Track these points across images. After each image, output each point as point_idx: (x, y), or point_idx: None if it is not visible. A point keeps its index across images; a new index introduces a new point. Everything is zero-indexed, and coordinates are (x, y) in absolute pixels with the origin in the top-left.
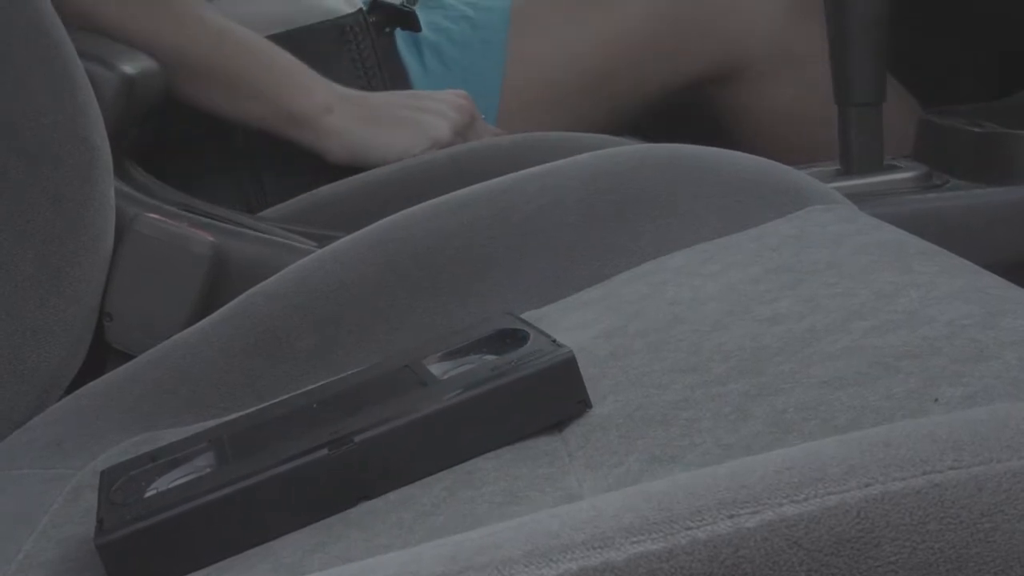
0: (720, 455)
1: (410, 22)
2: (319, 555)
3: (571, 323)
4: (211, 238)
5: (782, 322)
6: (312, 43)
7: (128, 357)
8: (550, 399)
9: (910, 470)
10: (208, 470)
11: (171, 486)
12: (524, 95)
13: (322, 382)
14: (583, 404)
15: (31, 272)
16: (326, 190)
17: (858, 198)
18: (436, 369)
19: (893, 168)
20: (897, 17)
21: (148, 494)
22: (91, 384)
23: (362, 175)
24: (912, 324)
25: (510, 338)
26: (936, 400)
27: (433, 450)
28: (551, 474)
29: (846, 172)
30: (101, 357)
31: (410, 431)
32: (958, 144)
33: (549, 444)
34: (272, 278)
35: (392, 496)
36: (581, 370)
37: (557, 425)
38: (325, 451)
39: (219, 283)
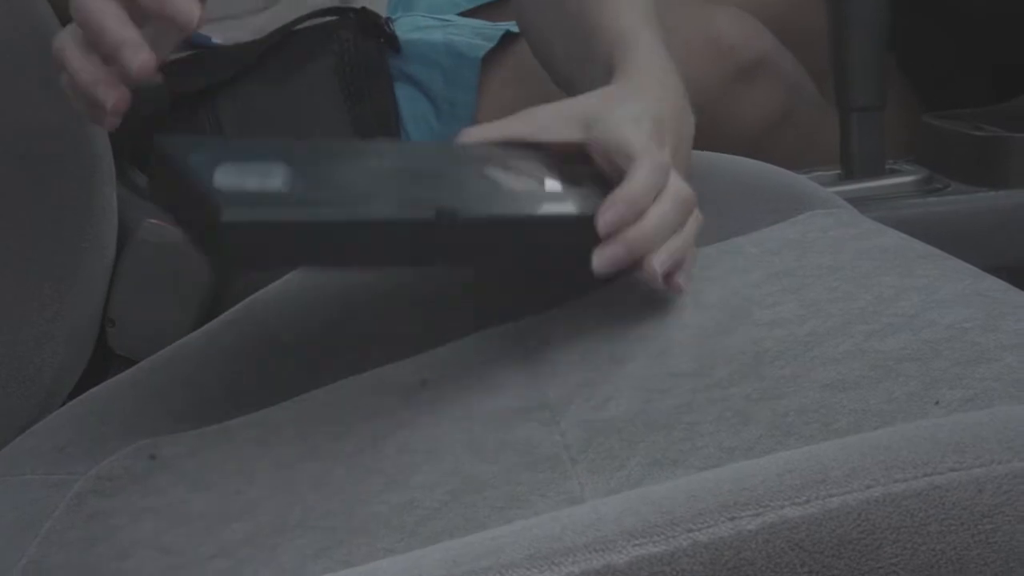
0: (722, 458)
1: (390, 40)
2: (322, 560)
3: (572, 329)
4: None
5: (783, 326)
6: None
7: (131, 362)
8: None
9: (911, 472)
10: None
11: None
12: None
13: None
14: None
15: (34, 278)
16: None
17: (859, 202)
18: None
19: (894, 172)
20: (898, 22)
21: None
22: (94, 390)
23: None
24: (913, 327)
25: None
26: (937, 403)
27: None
28: (553, 478)
29: (847, 176)
30: (104, 363)
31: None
32: (959, 148)
33: (551, 448)
34: (274, 283)
35: (394, 499)
36: (580, 376)
37: (558, 427)
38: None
39: (221, 288)
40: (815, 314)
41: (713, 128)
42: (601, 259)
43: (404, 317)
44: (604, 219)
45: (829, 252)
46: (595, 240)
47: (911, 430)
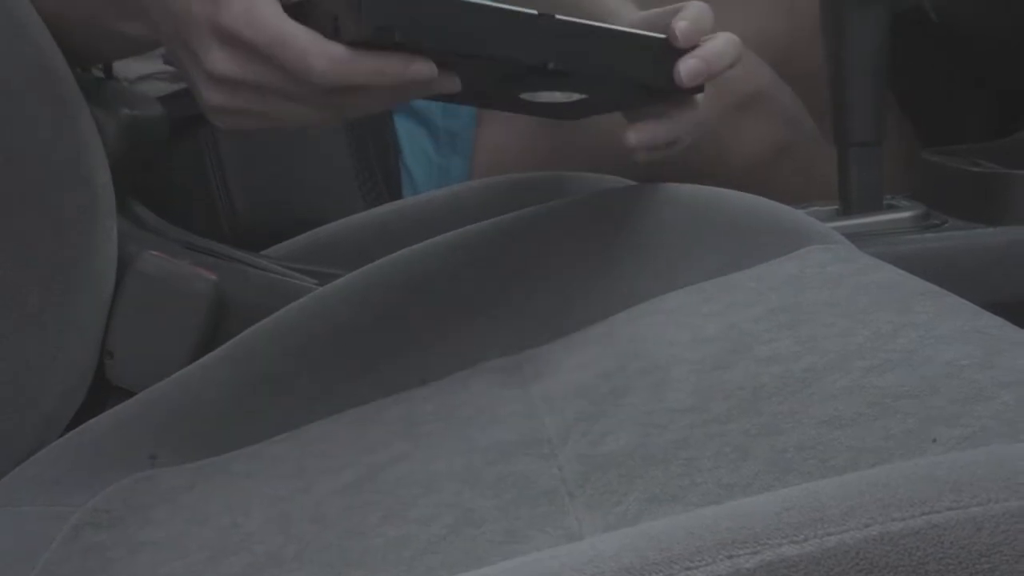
0: (720, 495)
1: None
2: None
3: (571, 362)
4: (212, 276)
5: (781, 362)
6: None
7: (129, 394)
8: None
9: (909, 511)
10: None
11: None
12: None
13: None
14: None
15: (34, 309)
16: (326, 229)
17: (857, 237)
18: None
19: (892, 207)
20: (895, 57)
21: None
22: (92, 421)
23: (361, 215)
24: (911, 364)
25: None
26: (934, 440)
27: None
28: (551, 513)
29: (845, 211)
30: (102, 394)
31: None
32: (956, 184)
33: (549, 483)
34: (272, 316)
35: (391, 533)
36: (578, 410)
37: (556, 461)
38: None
39: (221, 321)
40: (813, 350)
41: (711, 162)
42: (686, 70)
43: (402, 350)
44: (680, 28)
45: (827, 288)
46: (673, 61)
47: (909, 468)
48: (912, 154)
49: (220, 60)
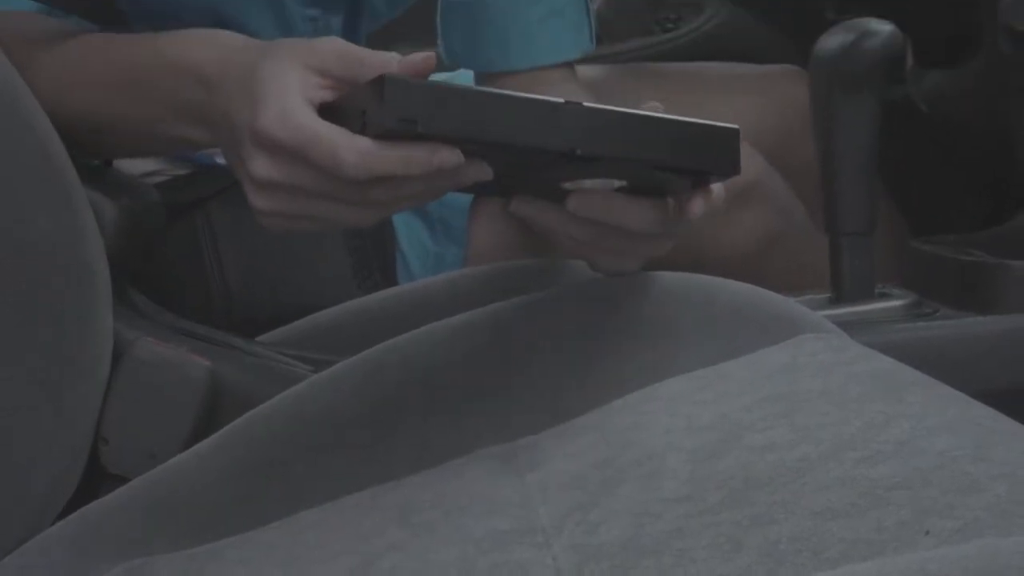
0: None
1: None
2: None
3: (566, 450)
4: (208, 363)
5: (774, 451)
6: None
7: (123, 480)
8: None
9: None
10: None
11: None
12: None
13: None
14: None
15: (27, 394)
16: (322, 315)
17: (849, 326)
18: None
19: (884, 296)
20: (885, 146)
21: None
22: (85, 508)
23: (357, 301)
24: (903, 455)
25: None
26: (927, 532)
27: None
28: None
29: (837, 300)
30: (96, 481)
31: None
32: (947, 273)
33: (543, 573)
34: (268, 403)
35: None
36: (573, 499)
37: (551, 551)
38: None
39: (216, 407)
40: (806, 439)
41: (704, 251)
42: None
43: (398, 437)
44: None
45: (820, 377)
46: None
47: (902, 563)
48: (903, 243)
49: (260, 164)
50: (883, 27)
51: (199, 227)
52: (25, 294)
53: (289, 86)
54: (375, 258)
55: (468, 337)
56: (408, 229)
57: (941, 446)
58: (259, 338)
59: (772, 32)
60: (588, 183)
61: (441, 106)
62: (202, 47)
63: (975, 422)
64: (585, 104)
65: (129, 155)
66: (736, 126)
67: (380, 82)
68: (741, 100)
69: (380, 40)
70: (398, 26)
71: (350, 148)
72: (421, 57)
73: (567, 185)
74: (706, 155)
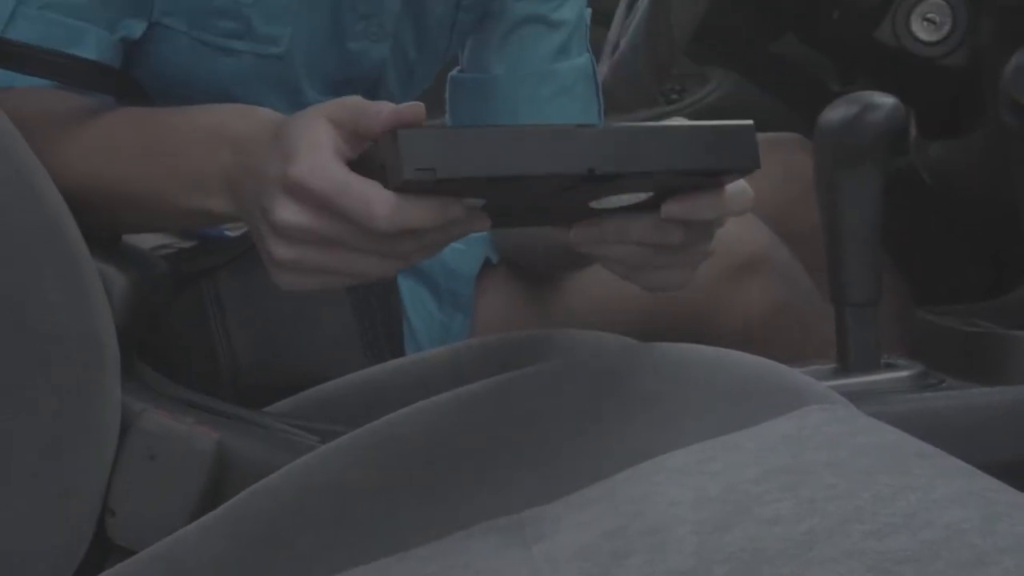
0: None
1: None
2: None
3: (574, 521)
4: (214, 434)
5: (782, 524)
6: None
7: (129, 553)
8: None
9: None
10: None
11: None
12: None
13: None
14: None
15: (35, 465)
16: (329, 386)
17: (856, 396)
18: None
19: (890, 367)
20: (889, 216)
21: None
22: None
23: (363, 372)
24: (911, 528)
25: None
26: None
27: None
28: None
29: (843, 370)
30: (102, 553)
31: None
32: (953, 344)
33: None
34: (274, 475)
35: None
36: (581, 571)
37: None
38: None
39: (223, 479)
40: (813, 512)
41: (709, 321)
42: None
43: (405, 508)
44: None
45: (826, 449)
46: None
47: None
48: (908, 313)
49: (288, 211)
50: (886, 100)
51: (206, 298)
52: (34, 365)
53: (320, 139)
54: (382, 328)
55: (474, 409)
56: (415, 298)
57: (948, 518)
58: (266, 409)
59: (774, 102)
60: (615, 200)
61: (456, 150)
62: (236, 115)
63: (982, 494)
64: (599, 125)
65: (145, 230)
66: (750, 121)
67: (394, 136)
68: None
69: None
70: None
71: (383, 201)
72: (409, 108)
73: (595, 205)
74: (725, 154)
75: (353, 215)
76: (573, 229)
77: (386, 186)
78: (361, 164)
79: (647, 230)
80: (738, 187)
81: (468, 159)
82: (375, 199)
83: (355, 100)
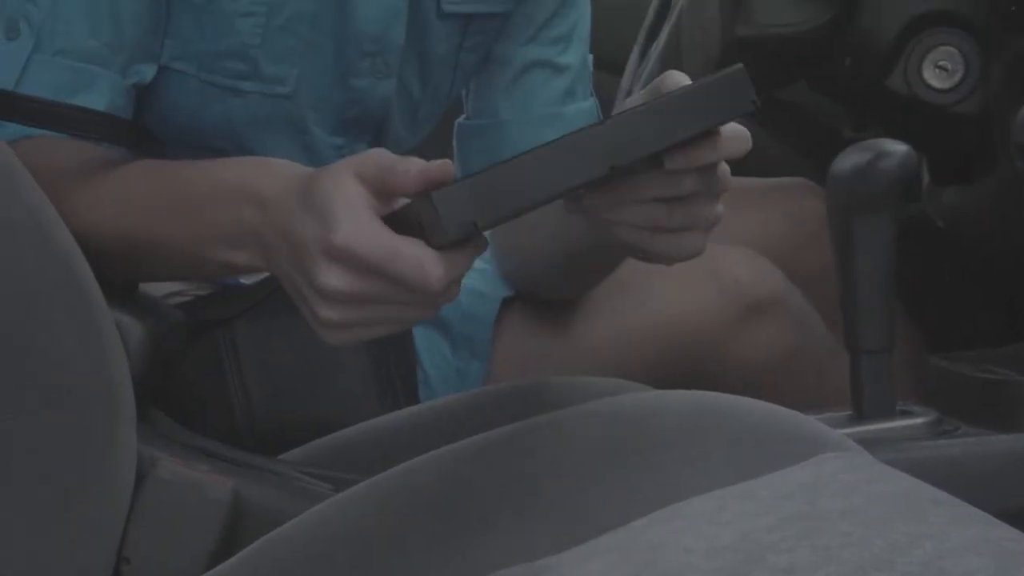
0: None
1: None
2: None
3: (588, 569)
4: (230, 483)
5: (797, 572)
6: None
7: None
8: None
9: None
10: None
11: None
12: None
13: None
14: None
15: (50, 513)
16: (344, 434)
17: (871, 444)
18: None
19: (905, 414)
20: (902, 262)
21: None
22: None
23: (378, 420)
24: None
25: None
26: None
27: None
28: None
29: (858, 418)
30: None
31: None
32: (967, 390)
33: None
34: (289, 523)
35: None
36: None
37: None
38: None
39: (238, 527)
40: (829, 560)
41: (721, 367)
42: None
43: (420, 557)
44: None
45: (841, 496)
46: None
47: None
48: (922, 359)
49: (333, 277)
50: (898, 147)
51: (221, 346)
52: (49, 414)
53: (355, 199)
54: (396, 375)
55: (490, 457)
56: (430, 345)
57: (964, 567)
58: (281, 456)
59: (784, 148)
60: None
61: (490, 196)
62: (258, 171)
63: (998, 542)
64: (607, 120)
65: (162, 280)
66: (739, 65)
67: (429, 198)
68: (754, 213)
69: None
70: (417, 150)
71: (434, 262)
72: (438, 169)
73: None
74: (726, 104)
75: (406, 280)
76: (588, 197)
77: (429, 244)
78: (394, 219)
79: (659, 184)
80: (734, 130)
81: (503, 202)
82: (427, 262)
83: (381, 156)
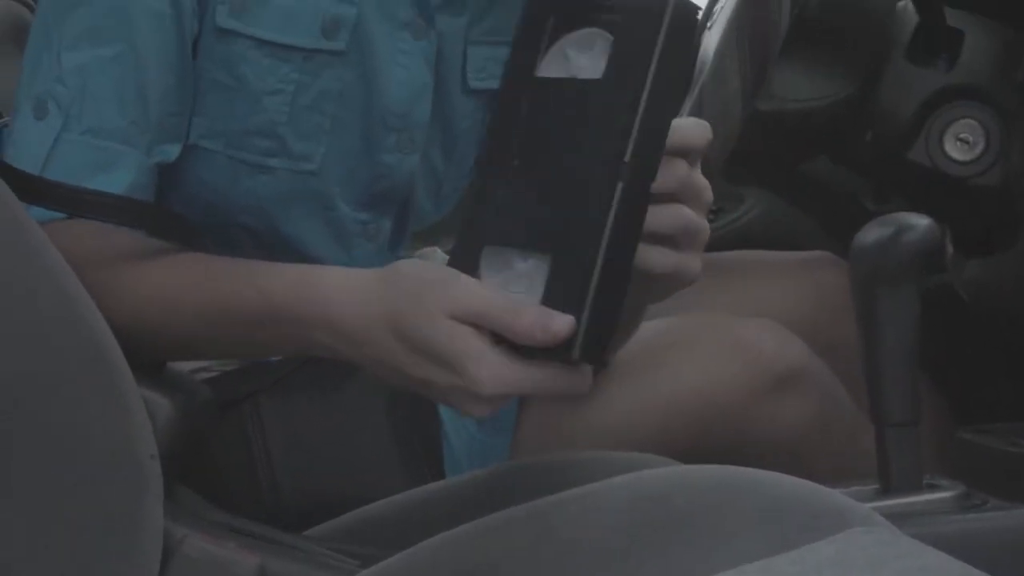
0: None
1: None
2: None
3: None
4: (256, 559)
5: None
6: None
7: None
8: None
9: None
10: None
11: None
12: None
13: None
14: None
15: None
16: (369, 510)
17: (898, 518)
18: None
19: (932, 487)
20: (927, 334)
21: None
22: None
23: (403, 495)
24: None
25: None
26: None
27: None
28: None
29: (885, 491)
30: None
31: None
32: (995, 464)
33: None
34: None
35: None
36: None
37: None
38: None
39: None
40: None
41: (746, 440)
42: None
43: None
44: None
45: (869, 572)
46: None
47: None
48: (949, 432)
49: (481, 410)
50: (920, 221)
51: (248, 421)
52: (76, 491)
53: (471, 340)
54: (422, 450)
55: (514, 533)
56: (455, 419)
57: None
58: (307, 532)
59: (807, 221)
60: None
61: (604, 320)
62: (312, 295)
63: None
64: (626, 159)
65: (194, 360)
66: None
67: (569, 349)
68: (777, 287)
69: (423, 232)
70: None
71: (582, 378)
72: (561, 328)
73: None
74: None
75: (558, 395)
76: None
77: (565, 362)
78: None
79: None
80: (690, 123)
81: (606, 308)
82: (576, 383)
83: (488, 304)
